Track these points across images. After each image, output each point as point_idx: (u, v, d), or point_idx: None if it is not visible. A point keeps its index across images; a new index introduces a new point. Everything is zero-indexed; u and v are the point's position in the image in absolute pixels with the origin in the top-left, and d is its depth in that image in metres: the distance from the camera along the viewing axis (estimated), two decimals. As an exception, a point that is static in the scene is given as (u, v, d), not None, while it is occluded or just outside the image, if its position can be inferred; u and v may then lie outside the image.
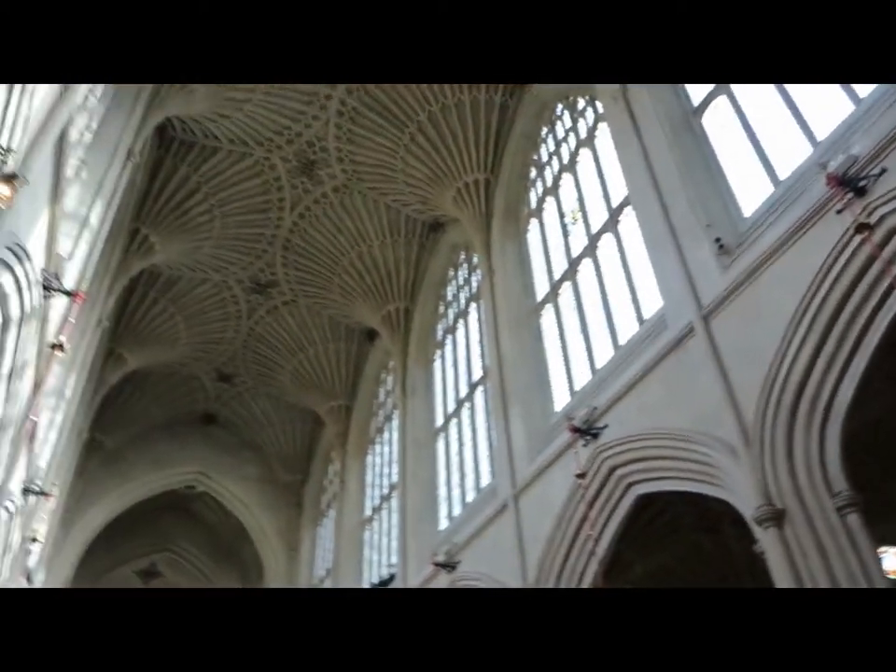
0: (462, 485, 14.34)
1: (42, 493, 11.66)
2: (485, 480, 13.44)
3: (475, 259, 16.10)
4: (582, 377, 11.23)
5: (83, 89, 8.01)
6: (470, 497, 13.80)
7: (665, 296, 9.27)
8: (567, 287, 12.43)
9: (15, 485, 10.28)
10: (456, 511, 14.23)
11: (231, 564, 25.91)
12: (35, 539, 12.62)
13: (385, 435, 19.41)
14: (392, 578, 15.55)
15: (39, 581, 15.71)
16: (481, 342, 14.98)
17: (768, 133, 8.67)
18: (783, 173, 8.21)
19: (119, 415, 21.60)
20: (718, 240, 8.45)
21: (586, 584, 9.65)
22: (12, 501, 10.36)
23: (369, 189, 17.41)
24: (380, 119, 15.92)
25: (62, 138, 7.83)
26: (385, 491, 18.22)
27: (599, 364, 10.81)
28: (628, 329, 10.40)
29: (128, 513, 22.26)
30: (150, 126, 13.60)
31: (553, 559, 10.06)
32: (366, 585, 17.42)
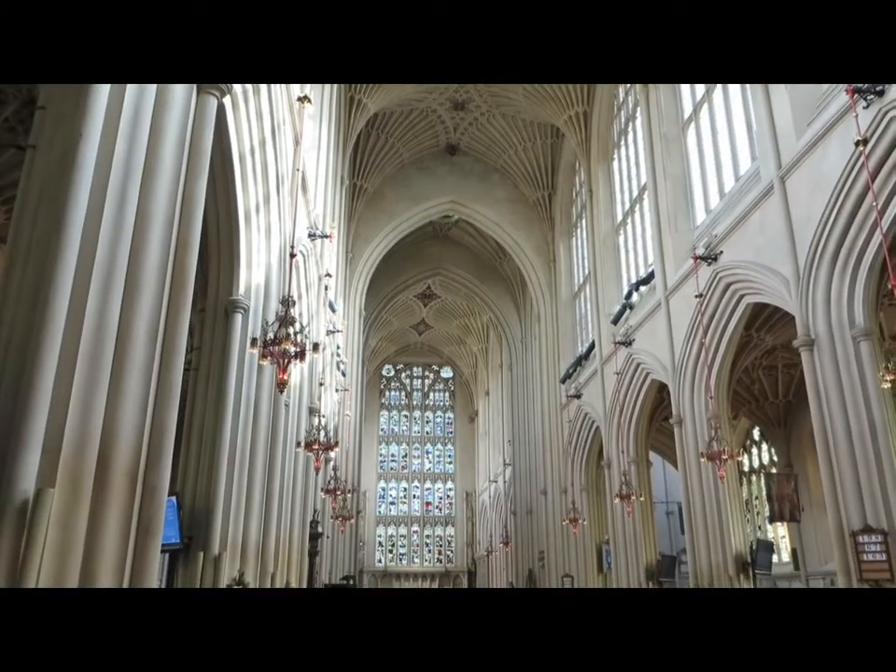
0: (719, 176, 13.49)
1: (324, 235, 13.16)
2: (745, 166, 12.46)
3: None
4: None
5: None
6: (729, 185, 13.00)
7: None
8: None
9: (301, 232, 11.68)
10: (714, 202, 13.58)
11: (494, 279, 28.02)
12: (328, 275, 14.59)
13: (629, 136, 18.50)
14: (652, 276, 15.75)
15: (339, 309, 18.37)
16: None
17: None
18: None
19: (372, 160, 23.05)
20: None
21: (866, 260, 8.97)
22: (304, 245, 11.88)
23: None
24: None
25: None
26: (635, 193, 17.81)
27: None
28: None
29: (398, 246, 24.60)
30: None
31: (828, 239, 9.41)
32: (625, 288, 17.88)
